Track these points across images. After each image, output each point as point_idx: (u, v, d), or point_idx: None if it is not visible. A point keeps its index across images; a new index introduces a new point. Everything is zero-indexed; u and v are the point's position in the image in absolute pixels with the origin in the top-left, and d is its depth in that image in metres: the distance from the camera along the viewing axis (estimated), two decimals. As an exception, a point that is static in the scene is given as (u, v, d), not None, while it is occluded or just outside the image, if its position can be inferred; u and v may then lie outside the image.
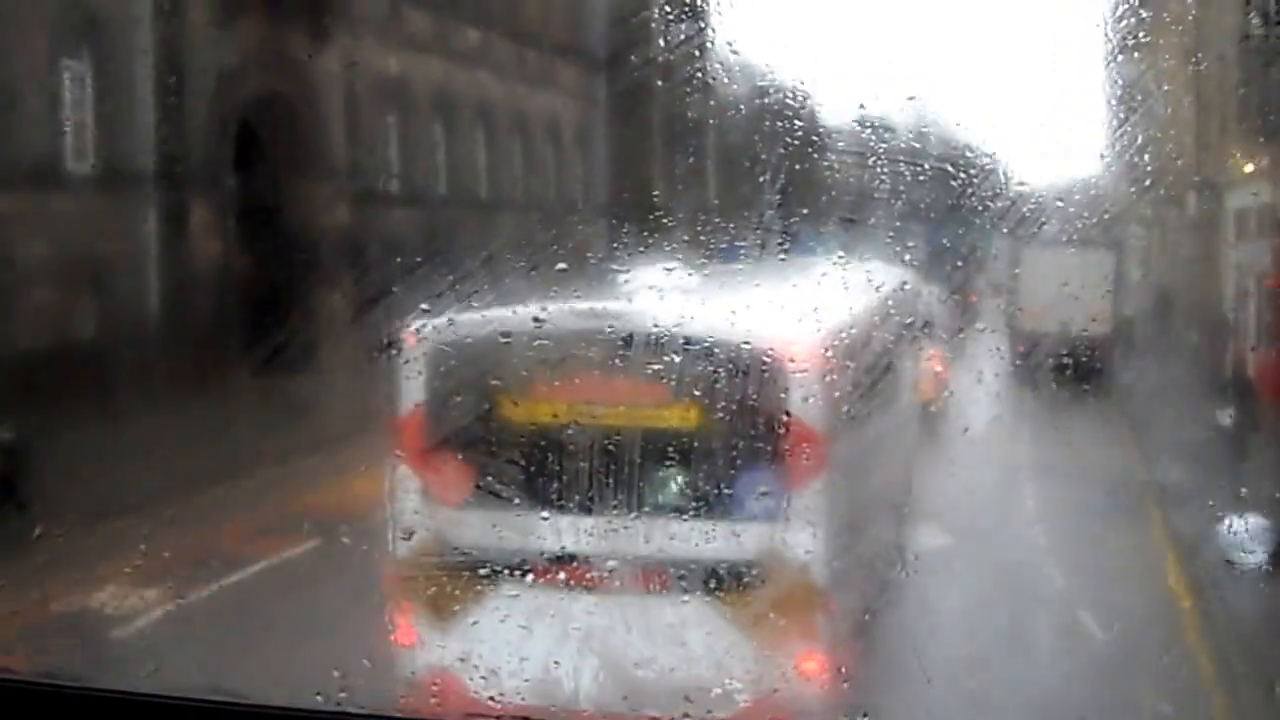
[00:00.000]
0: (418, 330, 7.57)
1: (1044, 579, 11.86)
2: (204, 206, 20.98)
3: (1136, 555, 13.12)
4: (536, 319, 7.33)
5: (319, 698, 5.16)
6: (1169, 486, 14.97)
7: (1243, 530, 10.38)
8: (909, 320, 10.80)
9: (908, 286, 10.60)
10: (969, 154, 13.13)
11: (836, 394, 7.52)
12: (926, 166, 12.84)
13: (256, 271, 20.08)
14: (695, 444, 7.30)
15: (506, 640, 7.09)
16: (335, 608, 9.66)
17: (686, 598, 7.16)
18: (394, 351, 7.70)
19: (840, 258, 8.98)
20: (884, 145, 12.83)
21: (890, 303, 9.67)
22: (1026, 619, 10.85)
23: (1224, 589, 10.90)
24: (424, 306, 7.95)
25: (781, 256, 9.18)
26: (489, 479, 7.50)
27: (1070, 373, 15.69)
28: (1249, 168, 19.72)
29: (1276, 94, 17.97)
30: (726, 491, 7.30)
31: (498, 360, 7.38)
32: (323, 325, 20.44)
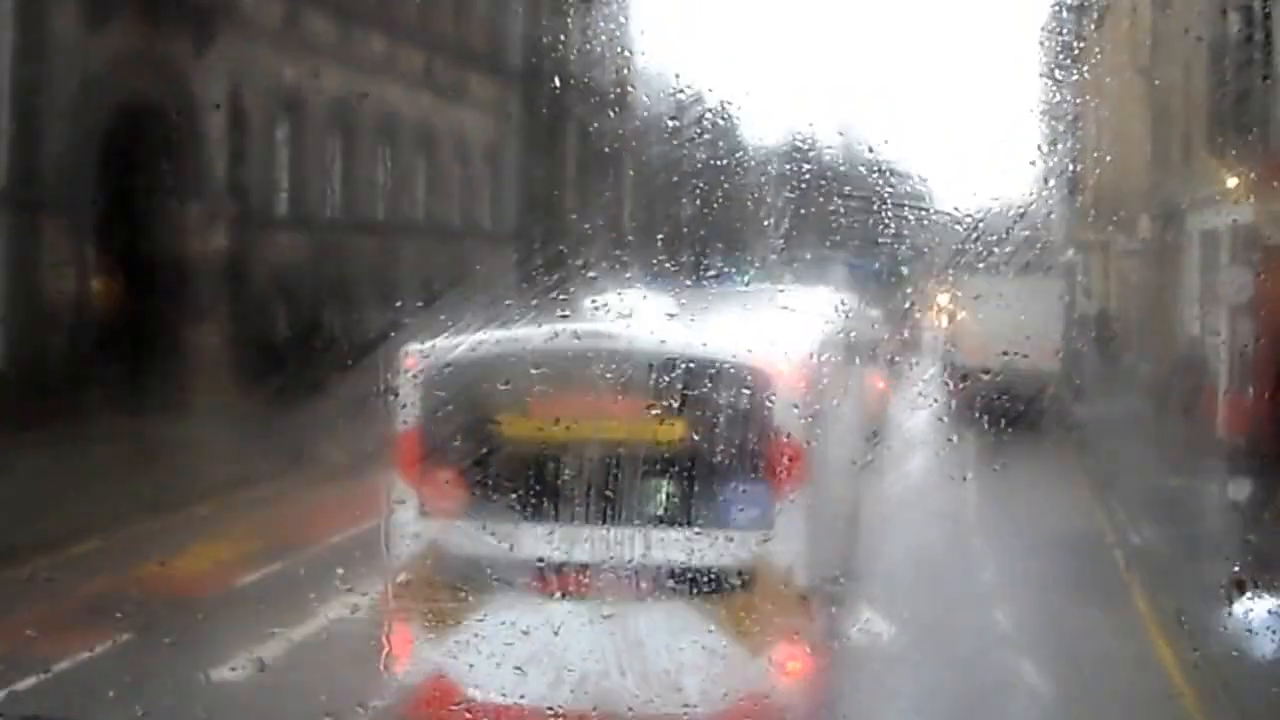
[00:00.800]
0: (419, 353, 7.86)
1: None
2: (63, 229, 19.02)
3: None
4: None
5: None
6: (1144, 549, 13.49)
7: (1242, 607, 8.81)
8: (850, 349, 10.89)
9: (843, 315, 10.84)
10: (906, 178, 13.35)
11: (808, 411, 7.84)
12: (866, 193, 12.68)
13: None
14: (680, 458, 7.57)
15: (502, 654, 7.35)
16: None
17: (673, 605, 7.48)
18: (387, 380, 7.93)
19: (781, 287, 10.33)
20: (817, 170, 12.82)
21: (827, 331, 9.89)
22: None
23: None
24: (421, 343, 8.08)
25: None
26: (478, 495, 7.73)
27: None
28: (1216, 187, 18.36)
29: (1245, 108, 16.81)
30: (712, 502, 7.61)
31: (484, 380, 7.75)
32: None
